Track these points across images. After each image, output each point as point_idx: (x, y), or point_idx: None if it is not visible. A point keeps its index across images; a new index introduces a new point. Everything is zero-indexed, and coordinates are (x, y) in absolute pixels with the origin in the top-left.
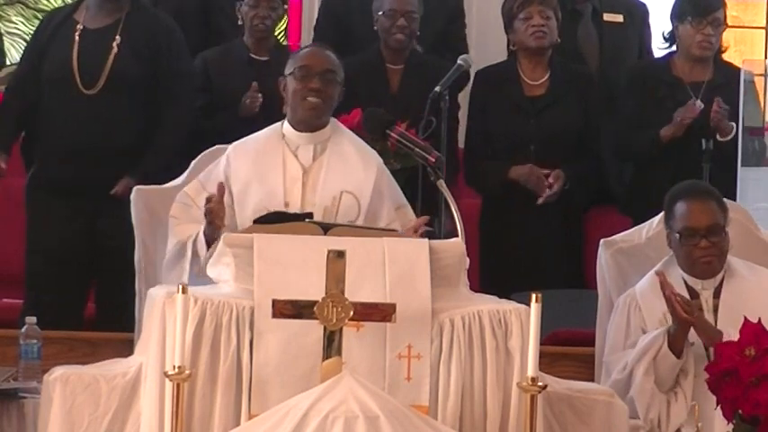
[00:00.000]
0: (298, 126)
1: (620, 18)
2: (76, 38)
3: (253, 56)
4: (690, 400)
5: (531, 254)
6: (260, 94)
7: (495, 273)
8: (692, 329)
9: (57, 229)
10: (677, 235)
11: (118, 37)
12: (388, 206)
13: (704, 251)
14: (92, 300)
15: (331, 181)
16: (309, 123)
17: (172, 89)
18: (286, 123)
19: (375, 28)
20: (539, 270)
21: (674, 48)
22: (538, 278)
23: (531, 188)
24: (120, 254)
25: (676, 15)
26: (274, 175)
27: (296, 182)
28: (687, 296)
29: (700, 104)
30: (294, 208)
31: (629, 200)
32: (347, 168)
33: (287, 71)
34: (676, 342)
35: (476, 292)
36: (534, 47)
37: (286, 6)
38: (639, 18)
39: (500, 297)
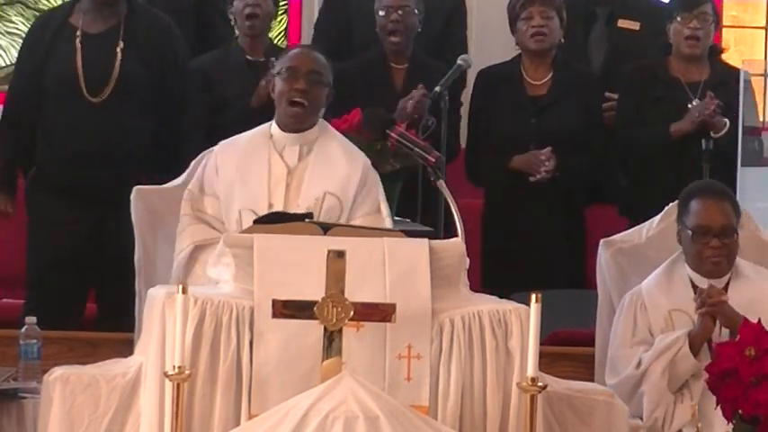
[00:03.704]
0: (284, 127)
1: (635, 26)
2: (78, 45)
3: (249, 58)
4: (695, 401)
5: (532, 253)
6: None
7: (497, 272)
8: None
9: (59, 231)
10: (689, 232)
11: (121, 42)
12: (366, 209)
13: (714, 251)
14: (92, 300)
15: (315, 182)
16: (294, 124)
17: (181, 89)
18: (274, 124)
19: (377, 29)
20: (540, 269)
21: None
22: (539, 277)
23: (532, 170)
24: (124, 255)
25: (667, 17)
26: (259, 176)
27: (280, 182)
28: (692, 294)
29: (715, 101)
30: (277, 208)
31: (627, 201)
32: (332, 169)
33: (275, 71)
34: (696, 344)
35: (477, 291)
36: (534, 49)
37: (283, 5)
38: (661, 26)
39: (501, 297)
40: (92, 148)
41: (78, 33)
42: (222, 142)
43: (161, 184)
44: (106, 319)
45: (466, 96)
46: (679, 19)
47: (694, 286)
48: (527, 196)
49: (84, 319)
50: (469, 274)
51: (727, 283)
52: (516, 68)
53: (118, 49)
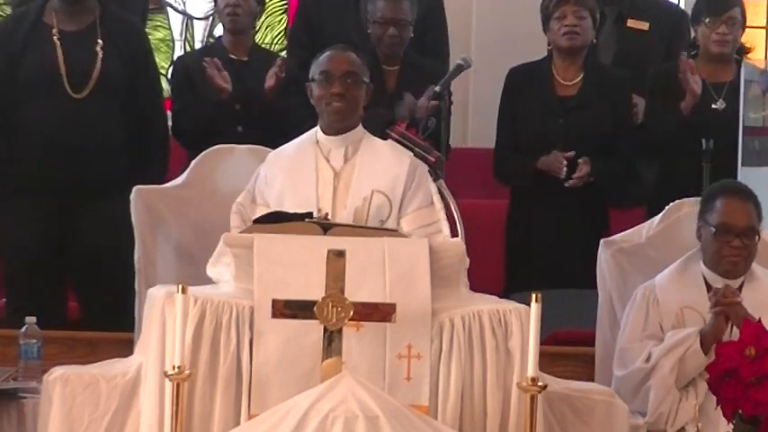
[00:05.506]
0: (327, 130)
1: (644, 26)
2: (56, 41)
3: (232, 56)
4: (700, 399)
5: (555, 254)
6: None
7: (520, 272)
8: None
9: (32, 227)
10: (712, 229)
11: (100, 41)
12: (418, 203)
13: (734, 251)
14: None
15: (362, 181)
16: (336, 127)
17: (150, 95)
18: (319, 129)
19: (368, 31)
20: (563, 271)
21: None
22: (562, 278)
23: (553, 172)
24: (98, 253)
25: (694, 19)
26: (307, 182)
27: (328, 186)
28: (705, 293)
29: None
30: (326, 212)
31: (656, 202)
32: (379, 167)
33: (310, 77)
34: (707, 342)
35: (500, 291)
36: (565, 47)
37: (282, 5)
38: (669, 26)
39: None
40: (69, 143)
41: (54, 31)
42: (271, 152)
43: (137, 182)
44: (89, 317)
45: (467, 95)
46: (707, 21)
47: (708, 285)
48: (552, 198)
49: (70, 317)
50: (492, 274)
51: (741, 285)
52: (547, 68)
53: (98, 48)
